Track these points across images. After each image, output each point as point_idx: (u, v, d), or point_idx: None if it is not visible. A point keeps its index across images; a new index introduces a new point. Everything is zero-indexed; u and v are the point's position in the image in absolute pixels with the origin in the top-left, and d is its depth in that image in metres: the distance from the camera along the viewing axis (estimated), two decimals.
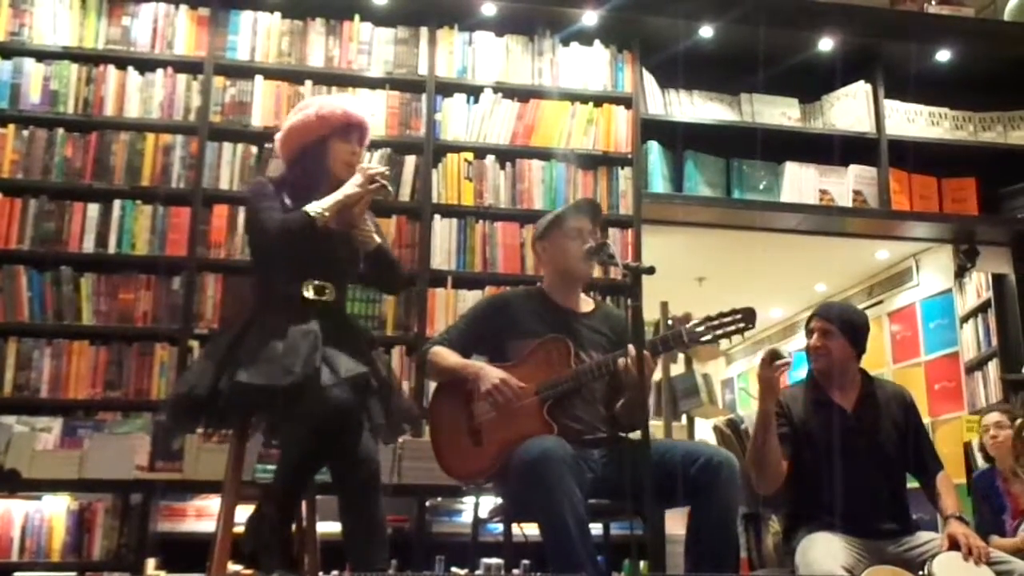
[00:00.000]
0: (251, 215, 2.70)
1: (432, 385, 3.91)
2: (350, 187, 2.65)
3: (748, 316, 2.51)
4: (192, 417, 2.58)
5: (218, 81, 4.14)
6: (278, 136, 2.83)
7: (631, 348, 2.46)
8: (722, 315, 2.52)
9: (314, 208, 2.58)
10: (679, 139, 4.55)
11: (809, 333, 2.97)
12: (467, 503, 3.67)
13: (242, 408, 2.54)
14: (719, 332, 2.51)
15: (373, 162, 4.09)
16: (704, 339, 2.51)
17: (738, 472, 2.53)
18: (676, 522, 3.64)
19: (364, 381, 2.50)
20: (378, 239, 2.73)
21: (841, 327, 2.92)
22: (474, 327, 2.85)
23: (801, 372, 3.11)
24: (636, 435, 2.37)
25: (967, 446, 4.07)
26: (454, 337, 2.83)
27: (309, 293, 2.63)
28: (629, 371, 2.46)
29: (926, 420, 5.71)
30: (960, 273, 5.29)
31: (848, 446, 2.83)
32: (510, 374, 2.63)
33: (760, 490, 2.88)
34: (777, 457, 2.79)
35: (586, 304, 2.92)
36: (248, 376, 2.41)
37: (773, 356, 2.68)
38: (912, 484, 2.95)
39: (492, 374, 2.63)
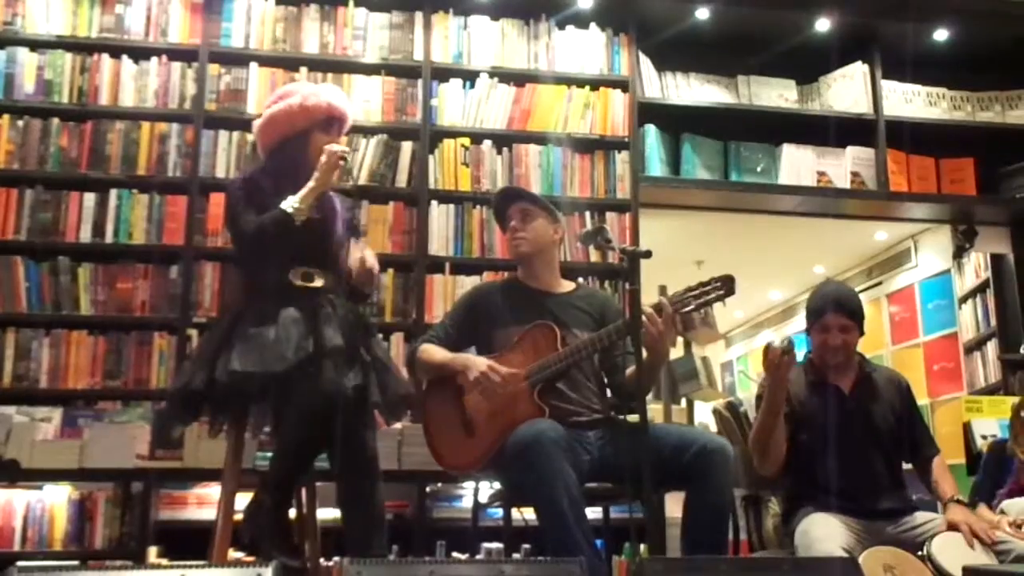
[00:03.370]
0: (229, 216, 2.74)
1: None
2: (317, 172, 2.66)
3: (727, 283, 2.51)
4: (191, 409, 2.61)
5: (213, 69, 4.12)
6: (258, 123, 2.83)
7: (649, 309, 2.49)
8: (702, 284, 2.53)
9: (290, 204, 2.60)
10: (676, 122, 4.54)
11: (824, 327, 2.90)
12: (467, 488, 3.68)
13: (239, 396, 2.54)
14: (700, 301, 2.52)
15: (370, 148, 4.10)
16: (686, 309, 2.53)
17: (732, 459, 2.54)
18: (677, 505, 3.64)
19: (339, 353, 2.50)
20: (357, 266, 2.72)
21: (859, 322, 2.92)
22: (458, 322, 2.89)
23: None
24: (633, 417, 2.37)
25: (966, 426, 4.06)
26: (441, 334, 2.86)
27: (297, 280, 2.64)
28: (649, 329, 2.47)
29: (925, 401, 5.75)
30: (959, 254, 5.30)
31: (847, 427, 2.85)
32: (499, 363, 2.65)
33: (763, 472, 2.88)
34: (781, 441, 2.81)
35: (564, 285, 2.95)
36: (242, 364, 2.43)
37: (785, 351, 2.66)
38: (909, 465, 2.96)
39: (479, 362, 2.66)
